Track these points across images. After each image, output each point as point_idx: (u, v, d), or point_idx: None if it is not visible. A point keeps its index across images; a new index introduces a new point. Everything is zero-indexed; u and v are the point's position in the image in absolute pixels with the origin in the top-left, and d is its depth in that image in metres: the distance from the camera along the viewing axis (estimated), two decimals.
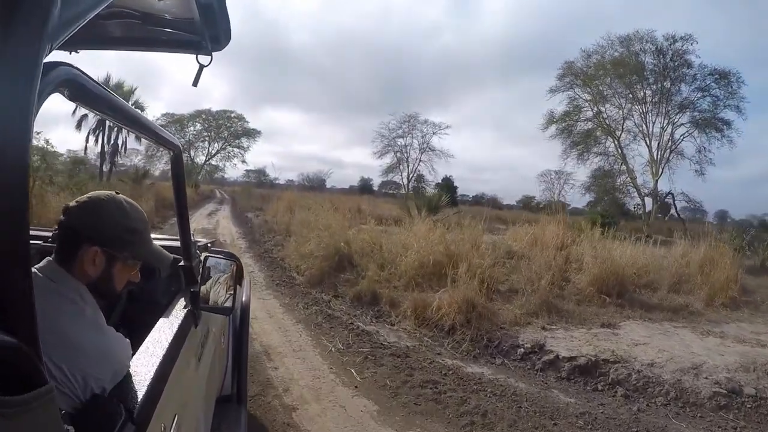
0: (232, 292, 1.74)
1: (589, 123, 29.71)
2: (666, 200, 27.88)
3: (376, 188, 52.62)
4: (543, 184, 50.44)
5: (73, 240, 1.01)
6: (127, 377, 0.98)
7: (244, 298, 2.47)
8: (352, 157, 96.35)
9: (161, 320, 1.36)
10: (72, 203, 1.05)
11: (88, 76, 0.68)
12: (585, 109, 29.59)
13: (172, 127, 39.51)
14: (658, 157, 27.69)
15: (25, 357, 0.47)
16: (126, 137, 24.59)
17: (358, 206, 18.93)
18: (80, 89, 0.67)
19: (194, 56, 1.16)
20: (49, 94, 0.57)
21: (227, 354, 2.28)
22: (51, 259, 1.01)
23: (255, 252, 9.44)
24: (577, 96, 29.49)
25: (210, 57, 1.16)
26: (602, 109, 28.84)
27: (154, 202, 14.26)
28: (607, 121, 28.90)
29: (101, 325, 0.99)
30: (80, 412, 0.84)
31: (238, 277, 1.90)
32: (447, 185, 41.78)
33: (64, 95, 0.63)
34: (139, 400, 0.92)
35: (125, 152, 26.91)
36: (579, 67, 28.87)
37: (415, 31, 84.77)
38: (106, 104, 0.78)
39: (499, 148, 78.12)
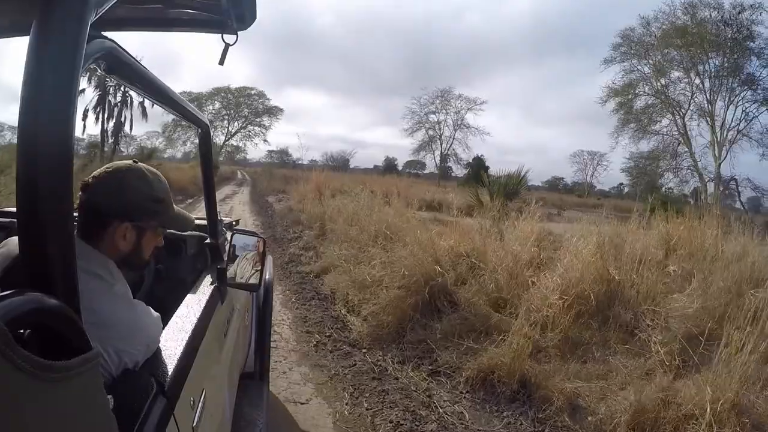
0: (257, 269, 1.65)
1: (651, 98, 26.14)
2: (729, 186, 24.34)
3: (400, 168, 50.62)
4: (575, 165, 47.02)
5: (100, 217, 0.95)
6: (158, 351, 0.93)
7: (267, 276, 2.32)
8: (375, 137, 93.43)
9: (189, 296, 1.30)
10: (90, 178, 0.98)
11: (123, 49, 0.67)
12: (641, 82, 26.29)
13: None
14: (721, 137, 24.03)
15: (70, 321, 0.47)
16: (131, 115, 21.46)
17: (396, 188, 15.85)
18: (117, 62, 0.66)
19: (219, 36, 1.07)
20: (89, 65, 0.56)
21: (250, 331, 2.18)
22: (75, 235, 0.88)
23: (276, 261, 5.96)
24: (633, 68, 26.11)
25: (235, 36, 1.07)
26: (663, 82, 25.31)
27: None
28: (669, 96, 25.17)
29: (131, 300, 0.95)
30: (113, 385, 0.79)
31: (262, 255, 1.74)
32: (479, 165, 39.40)
33: (100, 68, 0.63)
34: (169, 373, 0.87)
35: (131, 130, 23.75)
36: (638, 35, 25.13)
37: (440, 11, 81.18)
38: (140, 78, 0.77)
39: (525, 128, 75.51)
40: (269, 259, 2.59)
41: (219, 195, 16.80)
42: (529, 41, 78.49)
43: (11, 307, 0.40)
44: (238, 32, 1.06)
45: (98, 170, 1.00)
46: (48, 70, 0.44)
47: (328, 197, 10.64)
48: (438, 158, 42.30)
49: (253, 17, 1.03)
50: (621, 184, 50.58)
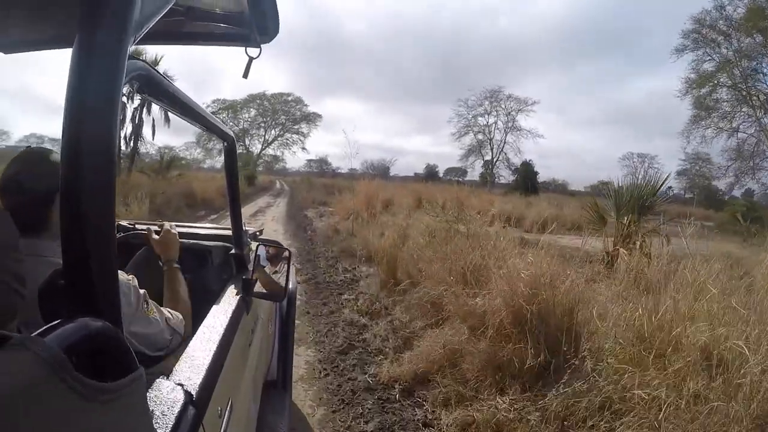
0: (281, 279, 1.63)
1: (731, 90, 23.11)
2: None
3: (441, 175, 49.09)
4: (624, 168, 43.17)
5: (46, 202, 0.93)
6: (186, 360, 0.92)
7: (291, 286, 2.23)
8: (412, 144, 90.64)
9: (215, 307, 1.28)
10: (7, 182, 0.94)
11: (156, 69, 0.68)
12: (719, 72, 23.02)
13: (224, 114, 35.44)
14: None
15: (116, 341, 0.47)
16: (153, 120, 19.69)
17: (456, 198, 13.02)
18: (149, 82, 0.67)
19: (243, 49, 1.06)
20: (124, 85, 0.54)
21: (273, 340, 2.17)
22: (23, 236, 0.84)
23: (322, 338, 3.38)
24: (708, 56, 23.00)
25: (259, 49, 1.06)
26: (739, 72, 22.24)
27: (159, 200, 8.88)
28: (751, 87, 22.20)
29: None
30: None
31: (287, 265, 1.74)
32: (527, 170, 36.36)
33: (133, 87, 0.63)
34: (198, 383, 0.85)
35: (153, 138, 22.02)
36: (712, 18, 22.25)
37: (471, 15, 79.28)
38: (169, 96, 0.79)
39: (561, 132, 72.36)
40: (292, 269, 2.29)
41: (251, 209, 14.52)
42: (561, 44, 75.09)
43: (66, 334, 0.41)
44: (262, 45, 1.05)
45: (9, 170, 0.95)
46: (91, 92, 0.44)
47: (381, 212, 8.08)
48: (490, 163, 39.35)
49: (276, 30, 1.03)
50: (669, 187, 46.36)
